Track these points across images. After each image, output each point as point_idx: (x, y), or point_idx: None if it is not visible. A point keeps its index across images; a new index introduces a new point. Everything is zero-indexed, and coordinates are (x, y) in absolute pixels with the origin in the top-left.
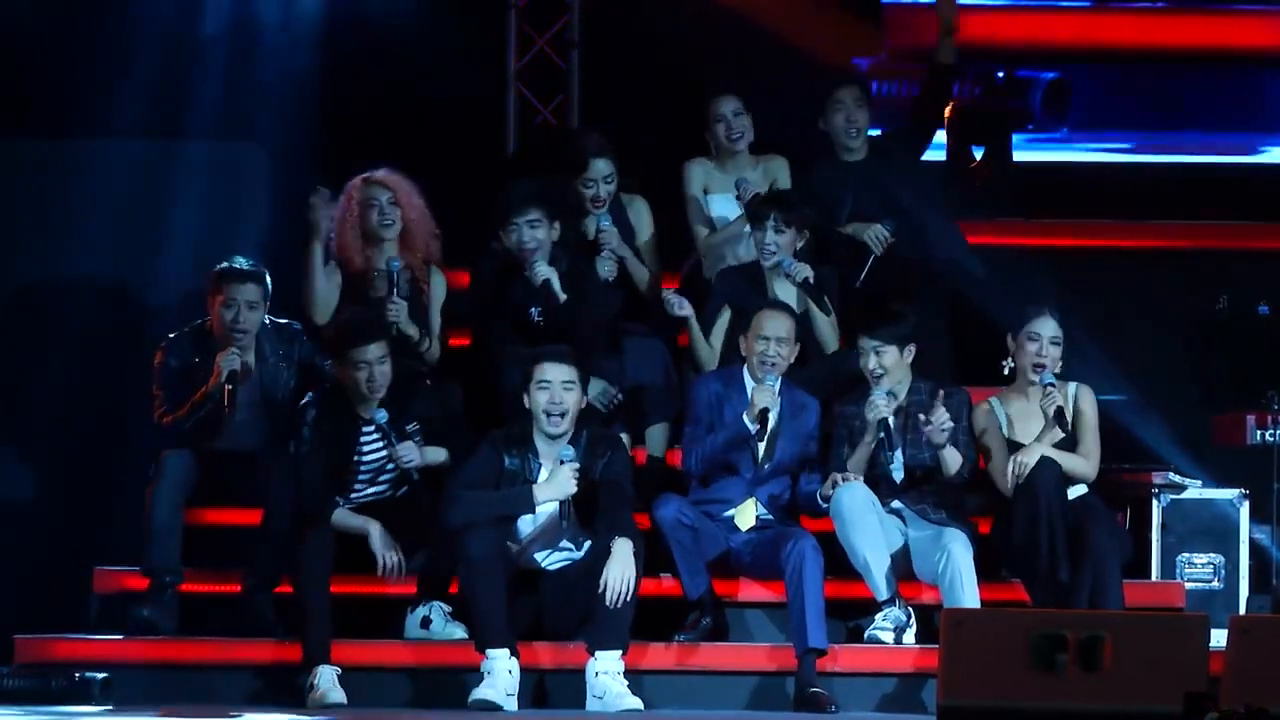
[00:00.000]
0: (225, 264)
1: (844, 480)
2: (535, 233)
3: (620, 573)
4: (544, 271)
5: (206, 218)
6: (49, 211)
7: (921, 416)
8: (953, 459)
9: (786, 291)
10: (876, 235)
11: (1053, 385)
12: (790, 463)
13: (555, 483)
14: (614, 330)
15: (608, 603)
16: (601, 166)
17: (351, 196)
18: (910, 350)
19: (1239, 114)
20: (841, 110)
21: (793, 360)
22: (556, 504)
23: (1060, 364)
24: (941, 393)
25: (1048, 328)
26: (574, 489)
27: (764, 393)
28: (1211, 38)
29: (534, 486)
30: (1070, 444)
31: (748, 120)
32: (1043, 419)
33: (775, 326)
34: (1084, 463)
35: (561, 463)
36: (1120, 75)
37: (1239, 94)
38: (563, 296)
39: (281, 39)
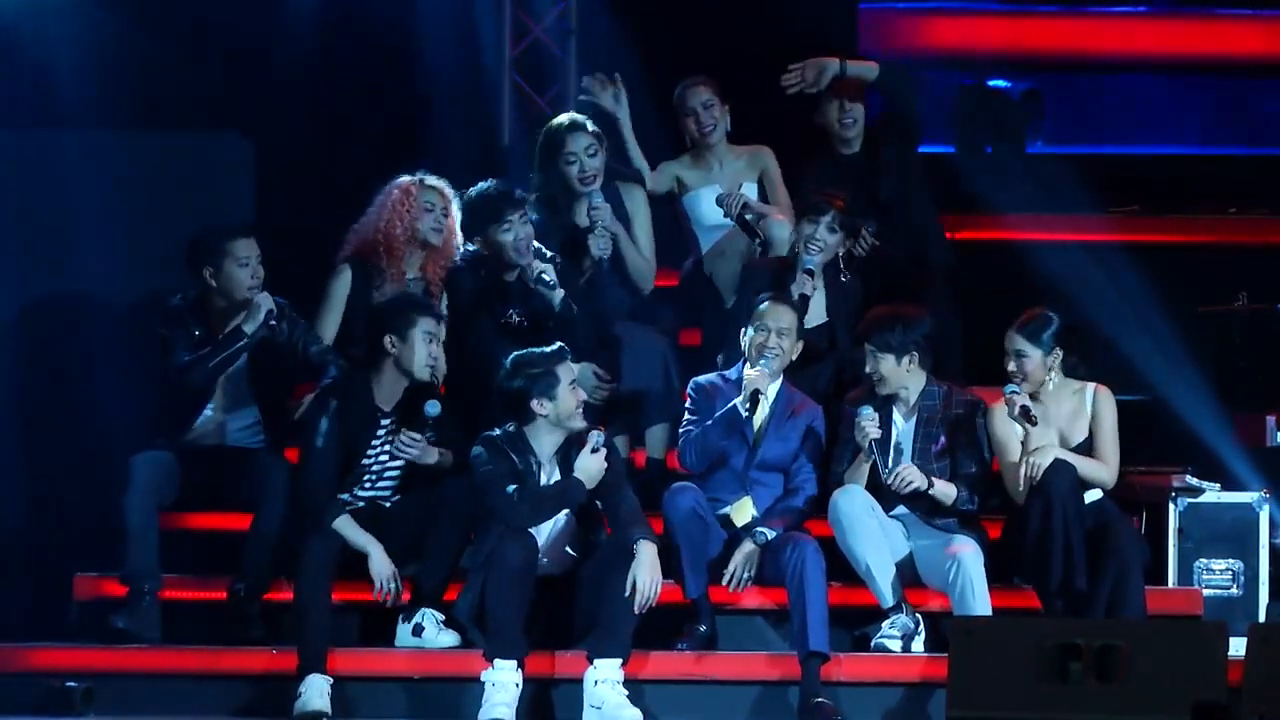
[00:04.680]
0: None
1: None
2: (525, 227)
3: (649, 577)
4: (541, 266)
5: (188, 214)
6: (13, 212)
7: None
8: (944, 494)
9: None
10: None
11: (1015, 392)
12: (776, 463)
13: (587, 468)
14: (610, 328)
15: (636, 609)
16: (581, 139)
17: (411, 193)
18: (911, 359)
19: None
20: (834, 102)
21: (794, 357)
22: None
23: (1071, 366)
24: (903, 466)
25: (1013, 343)
26: (603, 470)
27: (757, 375)
28: (1198, 44)
29: (576, 475)
30: (1087, 448)
31: (721, 111)
32: (1060, 422)
33: (779, 318)
34: (1103, 468)
35: (594, 451)
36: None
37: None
38: (560, 293)
39: (272, 28)
